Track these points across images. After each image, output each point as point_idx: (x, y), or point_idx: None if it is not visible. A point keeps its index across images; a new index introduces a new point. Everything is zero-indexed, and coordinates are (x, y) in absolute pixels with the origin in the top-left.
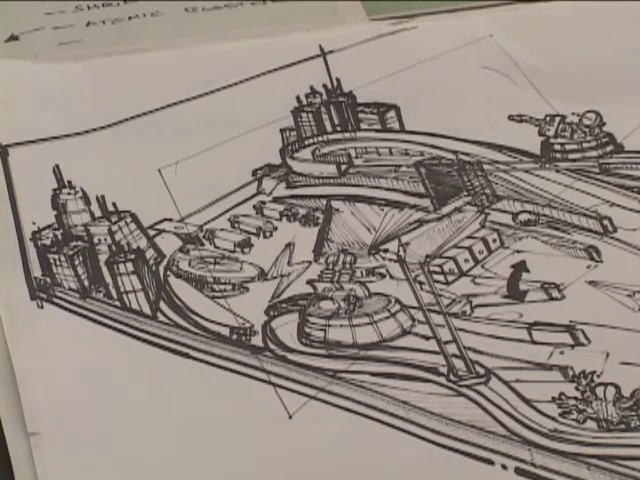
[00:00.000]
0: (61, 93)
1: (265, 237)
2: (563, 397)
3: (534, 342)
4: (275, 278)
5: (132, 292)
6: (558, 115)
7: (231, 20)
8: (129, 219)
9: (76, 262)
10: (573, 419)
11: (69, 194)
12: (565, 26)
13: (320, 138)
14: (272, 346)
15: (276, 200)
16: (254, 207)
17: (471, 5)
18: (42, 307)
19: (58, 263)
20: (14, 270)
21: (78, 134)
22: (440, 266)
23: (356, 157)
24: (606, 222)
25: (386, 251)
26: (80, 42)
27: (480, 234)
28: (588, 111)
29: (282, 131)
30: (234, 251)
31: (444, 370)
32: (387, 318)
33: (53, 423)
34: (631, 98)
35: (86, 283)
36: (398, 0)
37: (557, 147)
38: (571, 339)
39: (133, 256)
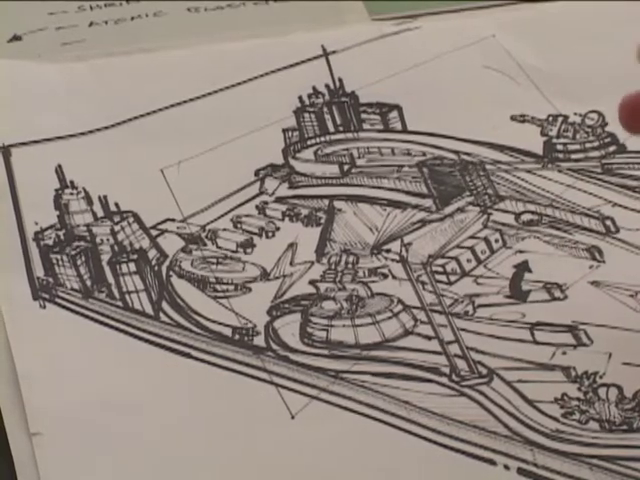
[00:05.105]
0: (64, 93)
1: (267, 237)
2: (565, 398)
3: (536, 342)
4: (277, 278)
5: (134, 292)
6: (560, 115)
7: (233, 20)
8: (131, 219)
9: (78, 262)
10: (575, 420)
11: (71, 194)
12: (567, 26)
13: (322, 138)
14: (274, 346)
15: (278, 200)
16: (256, 207)
17: (474, 5)
18: (44, 307)
19: (60, 263)
20: (17, 270)
21: (81, 134)
22: (442, 266)
23: (358, 157)
24: (608, 222)
25: (388, 251)
26: (83, 42)
27: (482, 234)
28: (590, 111)
29: (284, 131)
30: (236, 251)
31: (446, 370)
32: (389, 318)
33: (55, 423)
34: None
35: (88, 283)
36: (400, 0)
37: (559, 147)
38: (573, 339)
39: (135, 256)
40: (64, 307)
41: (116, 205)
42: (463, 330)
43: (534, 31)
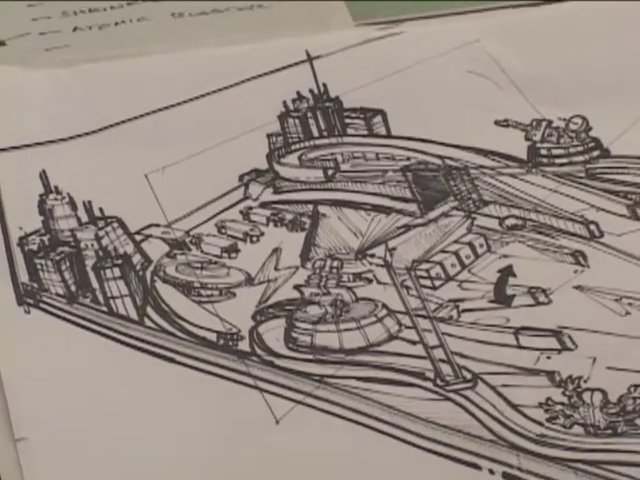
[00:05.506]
0: (48, 98)
1: (252, 242)
2: (550, 402)
3: (521, 347)
4: (262, 283)
5: (119, 297)
6: (544, 120)
7: (218, 25)
8: (116, 224)
9: (63, 267)
10: (560, 424)
11: (56, 199)
12: (552, 31)
13: (307, 143)
14: (259, 351)
15: (263, 205)
16: (241, 212)
17: (458, 10)
18: (29, 312)
19: (45, 268)
20: (1, 276)
21: (65, 140)
22: (427, 271)
23: (343, 162)
24: (593, 227)
25: (373, 256)
26: (67, 47)
27: (467, 239)
28: (574, 116)
29: (269, 136)
30: (221, 256)
31: (431, 375)
32: (374, 323)
33: (40, 428)
34: (618, 103)
35: (73, 288)
36: (385, 0)
37: (543, 152)
38: (558, 344)
39: (120, 261)
40: (49, 312)
41: (100, 210)
42: (447, 335)
43: (518, 36)
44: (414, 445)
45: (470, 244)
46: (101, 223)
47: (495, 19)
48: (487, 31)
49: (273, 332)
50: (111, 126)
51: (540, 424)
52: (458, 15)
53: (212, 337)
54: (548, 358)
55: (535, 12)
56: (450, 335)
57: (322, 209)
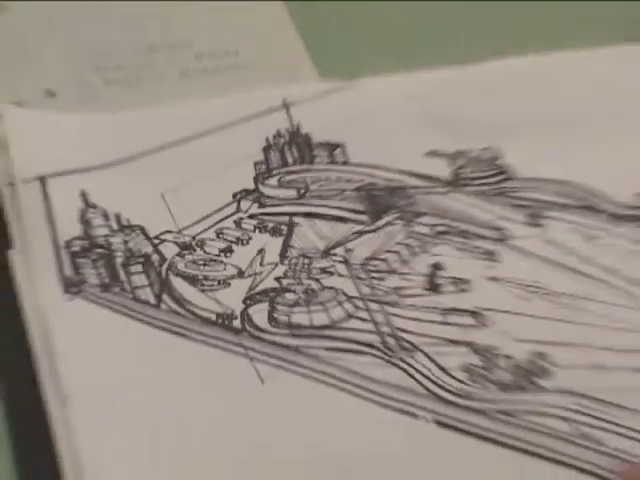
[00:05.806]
0: (87, 137)
1: (243, 244)
2: (471, 366)
3: (448, 324)
4: (250, 276)
5: (141, 287)
6: (465, 150)
7: (217, 81)
8: (139, 231)
9: (98, 264)
10: (479, 383)
11: (93, 213)
12: (482, 84)
13: (284, 169)
14: (248, 328)
15: (251, 217)
16: (234, 222)
17: (413, 65)
18: (72, 300)
19: (85, 265)
20: (52, 271)
21: (101, 167)
22: (376, 266)
23: (312, 184)
24: (502, 232)
25: (335, 255)
26: (100, 99)
27: (406, 242)
28: (489, 147)
29: (255, 164)
30: (219, 255)
31: (380, 346)
32: (336, 306)
33: (83, 389)
34: (527, 137)
35: (106, 280)
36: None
37: (464, 175)
38: (477, 322)
39: (142, 259)
40: (88, 299)
41: (127, 221)
42: (392, 315)
43: (459, 89)
44: (367, 399)
45: (409, 246)
46: (127, 230)
47: (441, 73)
48: (433, 83)
49: (259, 313)
50: (136, 158)
51: (464, 383)
52: (412, 70)
53: (213, 317)
54: (469, 332)
55: (473, 69)
56: (394, 315)
57: (296, 219)
